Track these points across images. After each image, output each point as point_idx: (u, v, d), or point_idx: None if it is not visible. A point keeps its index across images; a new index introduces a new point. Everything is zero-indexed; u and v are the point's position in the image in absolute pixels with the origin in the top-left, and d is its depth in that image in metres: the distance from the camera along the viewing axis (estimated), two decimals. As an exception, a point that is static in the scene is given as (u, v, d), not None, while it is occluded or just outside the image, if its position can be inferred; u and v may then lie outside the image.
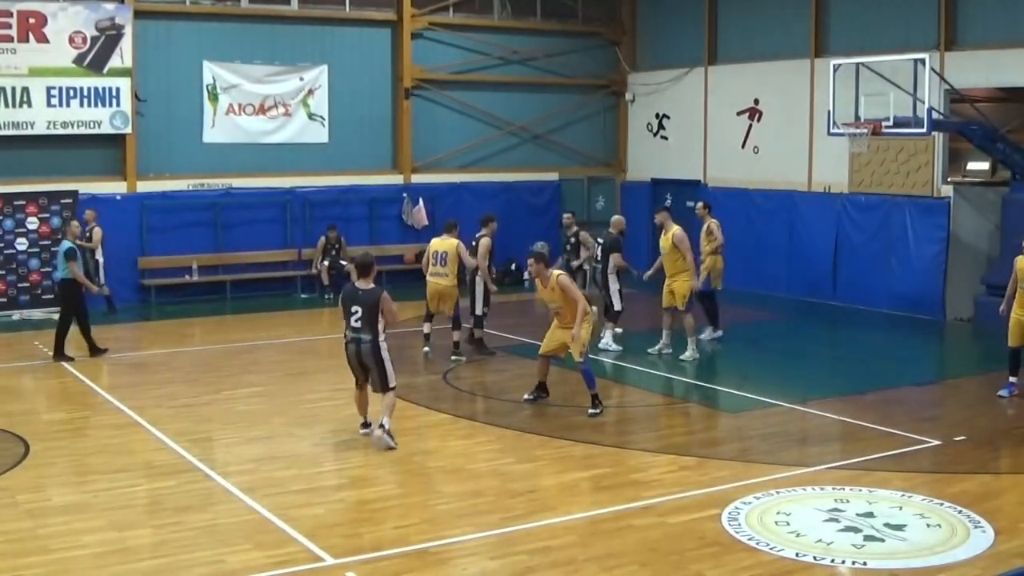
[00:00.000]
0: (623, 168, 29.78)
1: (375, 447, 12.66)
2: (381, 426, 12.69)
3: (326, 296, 24.18)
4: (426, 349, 18.13)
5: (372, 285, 12.81)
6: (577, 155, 29.19)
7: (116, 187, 23.78)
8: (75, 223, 19.43)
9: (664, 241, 18.00)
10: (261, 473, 11.81)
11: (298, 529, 9.91)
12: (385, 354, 12.72)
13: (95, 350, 18.13)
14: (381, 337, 12.67)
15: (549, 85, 28.74)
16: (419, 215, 26.30)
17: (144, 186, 24.06)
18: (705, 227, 19.74)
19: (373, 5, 26.47)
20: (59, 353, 17.87)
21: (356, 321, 12.67)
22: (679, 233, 17.80)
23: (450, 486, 11.41)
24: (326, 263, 24.70)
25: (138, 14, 23.62)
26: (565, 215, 21.60)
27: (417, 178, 27.00)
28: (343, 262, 24.12)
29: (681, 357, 17.74)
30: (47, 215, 22.55)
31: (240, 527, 10.07)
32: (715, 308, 19.46)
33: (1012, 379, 15.24)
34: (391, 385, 12.79)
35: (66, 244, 18.08)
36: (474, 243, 18.44)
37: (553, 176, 28.75)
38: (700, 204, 20.49)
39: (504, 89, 28.13)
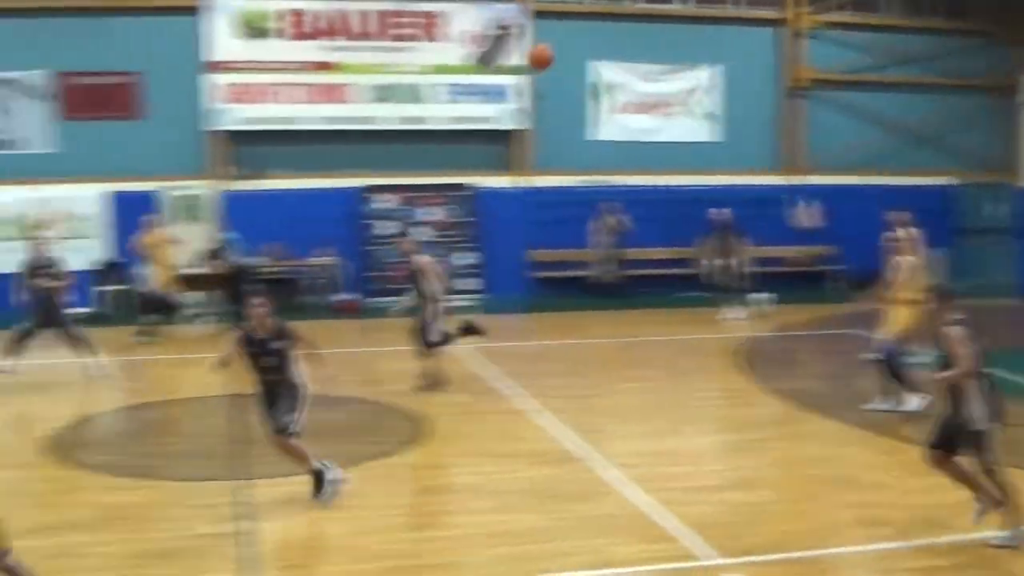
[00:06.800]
0: (1017, 173, 28.23)
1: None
2: None
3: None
4: None
5: None
6: (966, 159, 27.87)
7: (501, 182, 24.56)
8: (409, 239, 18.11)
9: None
10: (646, 468, 11.71)
11: (681, 526, 9.75)
12: None
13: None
14: None
15: (935, 86, 27.53)
16: (811, 215, 25.83)
17: (532, 182, 24.71)
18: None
19: (762, 5, 26.36)
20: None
21: None
22: None
23: (849, 495, 10.78)
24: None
25: (537, 14, 24.31)
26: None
27: (805, 179, 26.63)
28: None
29: None
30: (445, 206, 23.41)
31: (622, 519, 10.05)
32: None
33: None
34: None
35: None
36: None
37: (942, 180, 27.46)
38: None
39: (891, 90, 27.29)
